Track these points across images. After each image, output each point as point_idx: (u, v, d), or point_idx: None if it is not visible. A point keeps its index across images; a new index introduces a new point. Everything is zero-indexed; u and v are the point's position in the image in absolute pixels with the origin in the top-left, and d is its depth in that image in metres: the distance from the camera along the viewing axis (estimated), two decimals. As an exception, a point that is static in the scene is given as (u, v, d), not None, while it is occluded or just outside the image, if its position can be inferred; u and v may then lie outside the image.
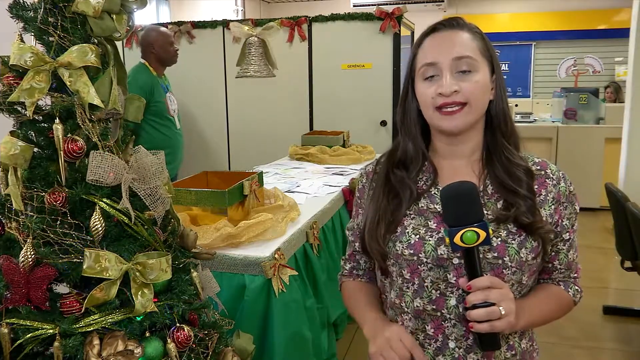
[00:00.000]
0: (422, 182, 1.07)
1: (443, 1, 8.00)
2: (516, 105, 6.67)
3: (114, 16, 1.09)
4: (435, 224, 1.02)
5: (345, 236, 1.25)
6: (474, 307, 0.90)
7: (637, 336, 3.04)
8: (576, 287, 1.11)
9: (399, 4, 5.80)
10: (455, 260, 0.98)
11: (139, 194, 1.11)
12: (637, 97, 3.83)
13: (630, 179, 3.89)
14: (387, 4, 7.13)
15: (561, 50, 8.43)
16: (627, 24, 4.11)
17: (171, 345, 1.07)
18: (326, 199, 2.52)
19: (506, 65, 8.95)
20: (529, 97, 8.79)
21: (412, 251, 1.01)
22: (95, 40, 1.10)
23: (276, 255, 1.74)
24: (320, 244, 2.21)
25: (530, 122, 6.09)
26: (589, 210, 5.35)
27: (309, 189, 2.74)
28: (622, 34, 6.34)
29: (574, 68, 7.45)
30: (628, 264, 2.90)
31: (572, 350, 2.86)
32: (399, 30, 4.14)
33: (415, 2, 7.73)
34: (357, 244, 1.16)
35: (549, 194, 1.03)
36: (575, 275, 1.11)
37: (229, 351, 1.22)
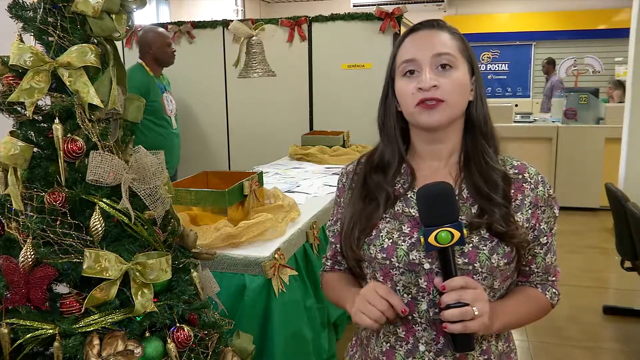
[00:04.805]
0: (399, 185, 1.07)
1: (443, 1, 8.00)
2: (516, 105, 6.66)
3: (114, 16, 1.10)
4: (409, 229, 1.02)
5: None
6: (448, 307, 0.89)
7: (637, 336, 3.04)
8: (554, 290, 1.11)
9: (399, 4, 5.80)
10: (427, 266, 0.98)
11: (139, 194, 1.11)
12: (637, 97, 3.83)
13: (630, 179, 3.88)
14: (387, 4, 7.13)
15: (561, 50, 8.44)
16: (627, 24, 4.10)
17: (171, 345, 1.07)
18: (326, 199, 2.52)
19: (506, 65, 8.95)
20: (529, 97, 8.80)
21: (384, 255, 1.01)
22: (95, 40, 1.10)
23: (276, 255, 1.74)
24: (320, 243, 2.21)
25: (530, 122, 6.08)
26: (589, 210, 5.35)
27: (309, 189, 2.74)
28: (622, 34, 6.34)
29: (574, 68, 7.46)
30: (628, 264, 2.90)
31: (572, 351, 2.86)
32: (399, 30, 4.13)
33: (415, 2, 7.72)
34: (338, 245, 1.16)
35: (526, 198, 1.02)
36: (554, 278, 1.11)
37: (229, 351, 1.22)
